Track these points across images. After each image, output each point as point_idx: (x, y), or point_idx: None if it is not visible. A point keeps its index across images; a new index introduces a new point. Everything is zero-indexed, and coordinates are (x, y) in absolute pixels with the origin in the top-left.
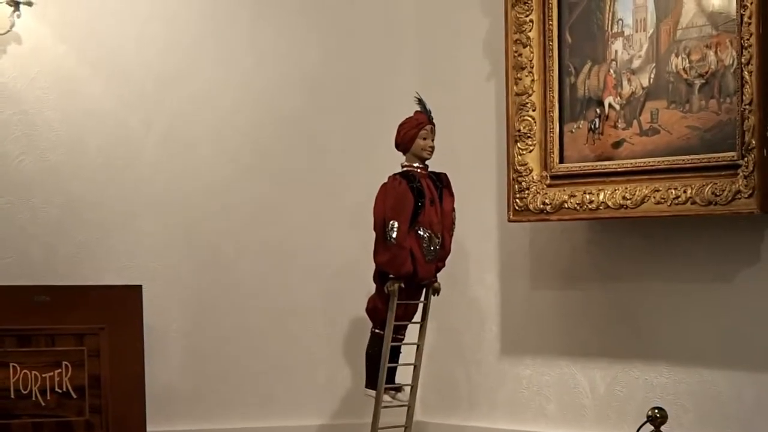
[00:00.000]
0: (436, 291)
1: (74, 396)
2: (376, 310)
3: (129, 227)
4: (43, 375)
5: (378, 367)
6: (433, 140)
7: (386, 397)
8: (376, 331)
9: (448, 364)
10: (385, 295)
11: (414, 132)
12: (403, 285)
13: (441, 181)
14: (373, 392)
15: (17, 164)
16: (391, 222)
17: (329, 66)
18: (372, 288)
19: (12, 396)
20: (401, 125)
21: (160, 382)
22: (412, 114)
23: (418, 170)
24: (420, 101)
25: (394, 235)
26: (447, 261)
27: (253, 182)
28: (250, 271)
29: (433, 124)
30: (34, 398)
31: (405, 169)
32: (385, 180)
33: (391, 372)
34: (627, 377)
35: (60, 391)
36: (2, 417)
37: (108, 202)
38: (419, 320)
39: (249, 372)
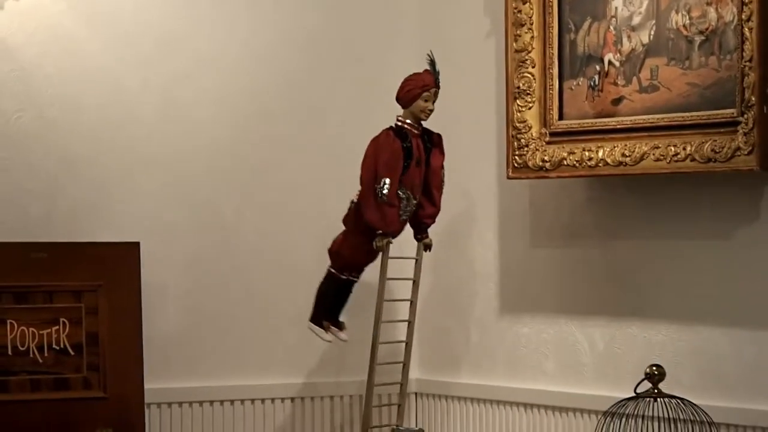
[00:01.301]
0: (428, 247)
1: (72, 353)
2: (339, 255)
3: (127, 185)
4: (41, 332)
5: (327, 304)
6: (433, 103)
7: (328, 335)
8: (333, 271)
9: (447, 322)
10: (354, 242)
11: (418, 92)
12: (392, 241)
13: (432, 141)
14: (316, 327)
15: (15, 120)
16: (383, 179)
17: (329, 27)
18: None
19: (9, 353)
20: (407, 80)
21: (158, 339)
22: (418, 71)
23: (412, 129)
24: (432, 62)
25: (386, 192)
26: (447, 218)
27: (252, 143)
28: (248, 229)
29: (439, 88)
30: (31, 355)
31: (399, 125)
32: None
33: (337, 309)
34: (625, 335)
35: (57, 348)
36: (0, 374)
37: (106, 160)
38: (413, 276)
39: (247, 330)
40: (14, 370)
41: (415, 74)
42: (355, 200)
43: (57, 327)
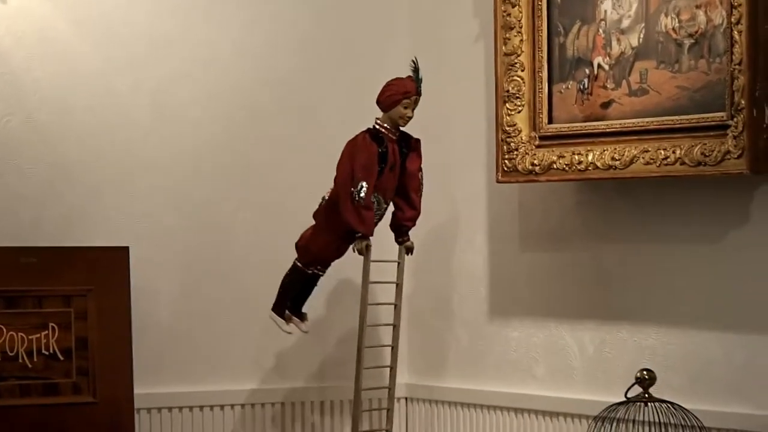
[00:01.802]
0: (410, 250)
1: (61, 358)
2: (307, 250)
3: (117, 189)
4: (30, 337)
5: (291, 296)
6: (413, 111)
7: (289, 327)
8: (299, 265)
9: (437, 326)
10: (324, 239)
11: (398, 98)
12: (370, 244)
13: (409, 146)
14: (277, 318)
15: (4, 124)
16: (360, 183)
17: (321, 28)
18: None
19: None
20: (388, 85)
21: (148, 344)
22: (401, 76)
23: (389, 134)
24: (415, 69)
25: (362, 195)
26: (436, 222)
27: (245, 145)
28: (239, 234)
29: (420, 95)
30: (20, 360)
31: (377, 128)
32: None
33: (301, 301)
34: (616, 339)
35: (47, 353)
36: None
37: (96, 164)
38: (396, 280)
39: (238, 334)
40: (3, 375)
41: (397, 79)
42: (327, 197)
43: (46, 332)
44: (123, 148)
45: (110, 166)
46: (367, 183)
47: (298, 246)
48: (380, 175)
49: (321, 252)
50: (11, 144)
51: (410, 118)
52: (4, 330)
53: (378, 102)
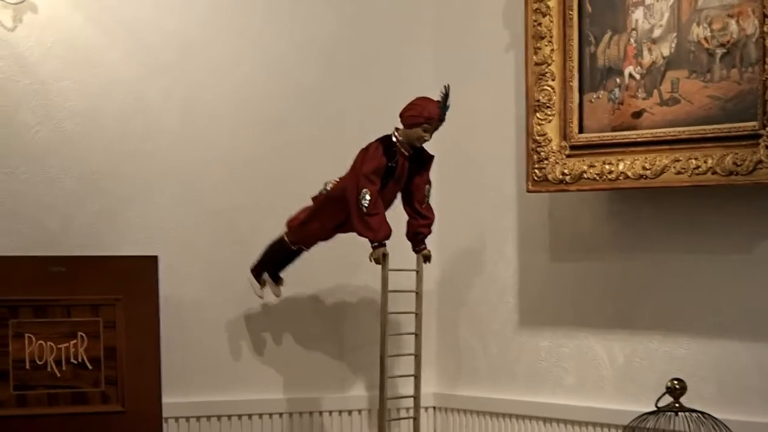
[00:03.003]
0: (427, 258)
1: (90, 367)
2: (298, 231)
3: (146, 198)
4: (59, 346)
5: (271, 264)
6: (431, 135)
7: (262, 292)
8: (286, 240)
9: (467, 336)
10: (317, 226)
11: (419, 121)
12: (387, 253)
13: (422, 160)
14: (254, 282)
15: (33, 134)
16: (363, 190)
17: (346, 36)
18: None
19: (27, 367)
20: (414, 105)
21: (176, 353)
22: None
23: (402, 149)
24: (445, 96)
25: (365, 203)
26: (466, 231)
27: (271, 153)
28: (267, 240)
29: (442, 122)
30: (49, 369)
31: (392, 141)
32: None
33: (281, 269)
34: (646, 349)
35: (75, 362)
36: (18, 388)
37: (124, 173)
38: (415, 289)
39: (266, 343)
40: (32, 384)
41: (424, 100)
42: (330, 188)
43: (75, 341)
44: (151, 156)
45: (138, 175)
46: (370, 191)
47: (290, 225)
48: (383, 187)
49: (311, 236)
50: (40, 154)
51: (426, 141)
52: (33, 339)
53: (400, 116)
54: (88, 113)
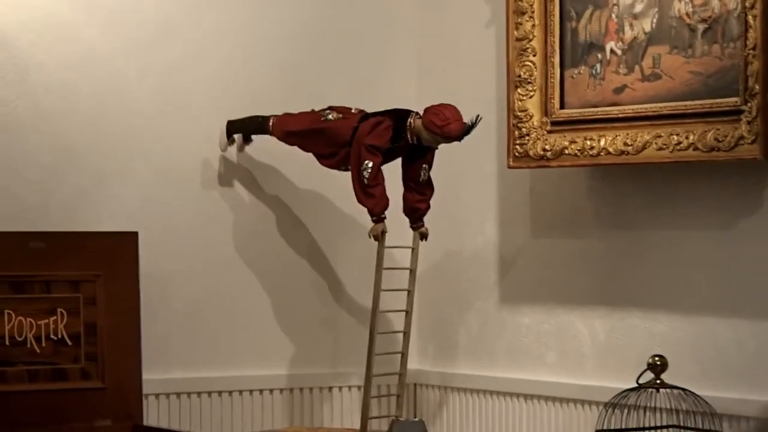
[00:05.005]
0: (424, 236)
1: (69, 343)
2: (279, 131)
3: (125, 174)
4: (38, 322)
5: (246, 131)
6: (438, 147)
7: (225, 147)
8: (268, 129)
9: (448, 312)
10: (306, 141)
11: (437, 132)
12: (386, 230)
13: (423, 151)
14: (224, 136)
15: (11, 110)
16: (366, 161)
17: (326, 14)
18: None
19: (7, 343)
20: (441, 113)
21: (156, 330)
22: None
23: (410, 139)
24: (473, 125)
25: (366, 175)
26: (447, 208)
27: None
28: (247, 220)
29: (459, 141)
30: (29, 345)
31: (406, 125)
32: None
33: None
34: (626, 325)
35: (55, 338)
36: None
37: (104, 149)
38: (410, 266)
39: (245, 320)
40: (12, 360)
41: (452, 113)
42: (330, 118)
43: (55, 317)
44: (129, 132)
45: (117, 151)
46: (373, 162)
47: (278, 126)
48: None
49: (290, 143)
50: (18, 129)
51: (433, 147)
52: (13, 315)
53: (425, 111)
54: (65, 89)
